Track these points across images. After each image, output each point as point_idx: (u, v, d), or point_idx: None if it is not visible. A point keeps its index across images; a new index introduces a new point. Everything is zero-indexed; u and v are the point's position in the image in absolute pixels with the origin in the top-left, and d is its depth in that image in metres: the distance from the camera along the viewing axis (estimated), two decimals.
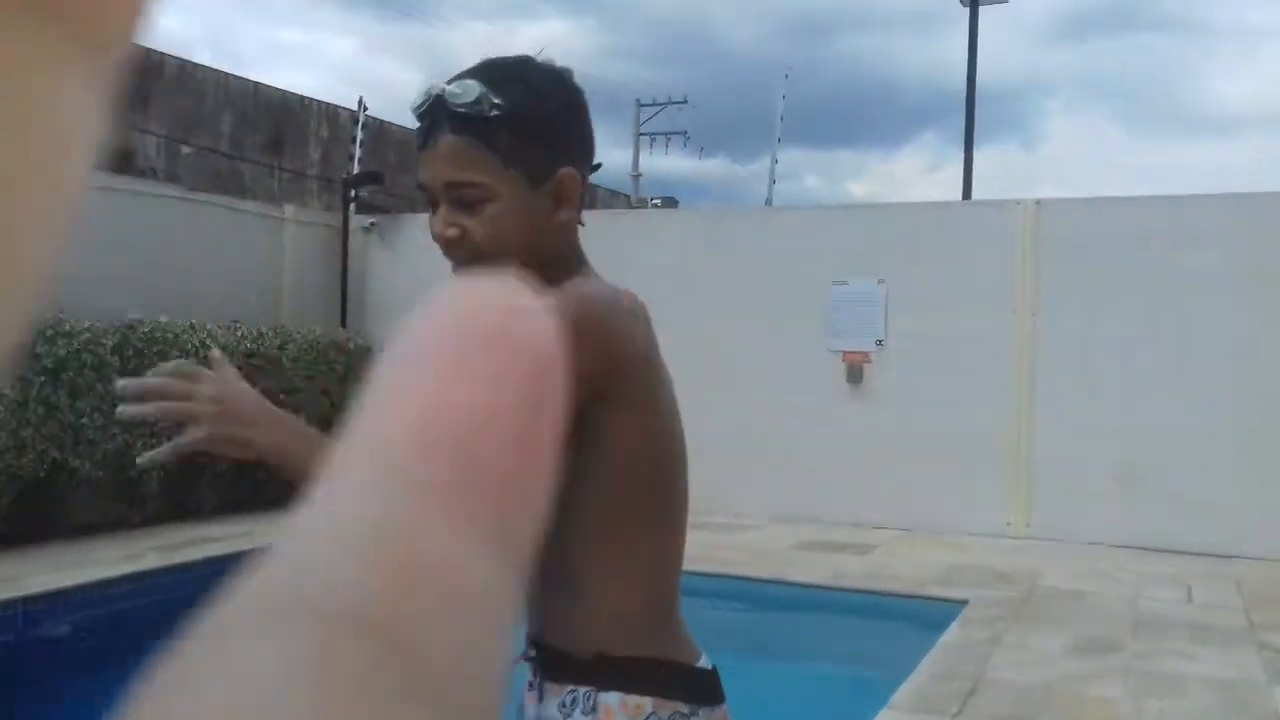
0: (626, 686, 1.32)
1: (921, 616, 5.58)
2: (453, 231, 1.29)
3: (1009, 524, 7.74)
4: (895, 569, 6.54)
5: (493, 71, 1.30)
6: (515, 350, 0.18)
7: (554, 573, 1.32)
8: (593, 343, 1.21)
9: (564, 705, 1.33)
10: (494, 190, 1.28)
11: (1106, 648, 4.90)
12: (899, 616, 5.91)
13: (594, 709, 1.31)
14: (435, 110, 1.28)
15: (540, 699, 1.36)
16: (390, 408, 0.17)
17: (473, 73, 1.29)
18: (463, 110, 1.26)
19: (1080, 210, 7.91)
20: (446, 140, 1.28)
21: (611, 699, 1.31)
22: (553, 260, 1.33)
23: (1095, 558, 6.96)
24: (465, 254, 1.30)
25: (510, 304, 0.19)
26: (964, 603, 5.65)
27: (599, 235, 8.59)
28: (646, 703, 1.31)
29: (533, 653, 1.38)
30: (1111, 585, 6.22)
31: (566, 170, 1.33)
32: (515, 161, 1.29)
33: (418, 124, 1.32)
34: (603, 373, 1.25)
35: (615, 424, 1.29)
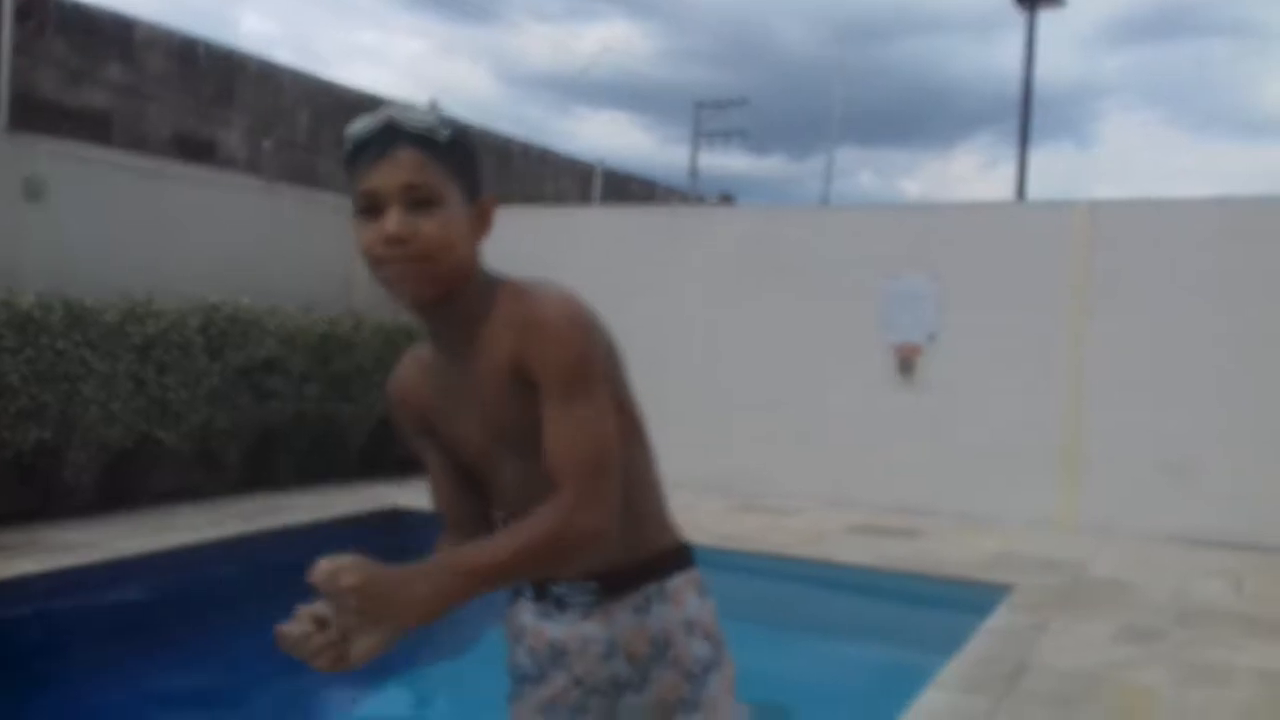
0: (680, 567, 1.60)
1: (969, 601, 5.54)
2: (407, 229, 1.37)
3: (1057, 515, 7.67)
4: (943, 554, 6.51)
5: (428, 110, 1.44)
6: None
7: None
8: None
9: (638, 608, 1.56)
10: (444, 196, 1.39)
11: (1153, 636, 4.84)
12: (946, 600, 5.88)
13: (668, 595, 1.57)
14: (390, 131, 1.39)
15: (608, 618, 1.56)
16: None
17: (410, 109, 1.43)
18: (420, 131, 1.39)
19: (1134, 211, 7.80)
20: (405, 151, 1.38)
21: (676, 580, 1.59)
22: (471, 271, 1.47)
23: (1143, 549, 6.88)
24: (411, 253, 1.38)
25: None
26: (1011, 588, 5.61)
27: (657, 231, 8.83)
28: (694, 573, 1.61)
29: (593, 586, 1.57)
30: (1159, 576, 6.14)
31: (489, 196, 1.49)
32: (458, 177, 1.42)
33: (359, 147, 1.40)
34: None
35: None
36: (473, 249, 1.45)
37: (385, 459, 8.64)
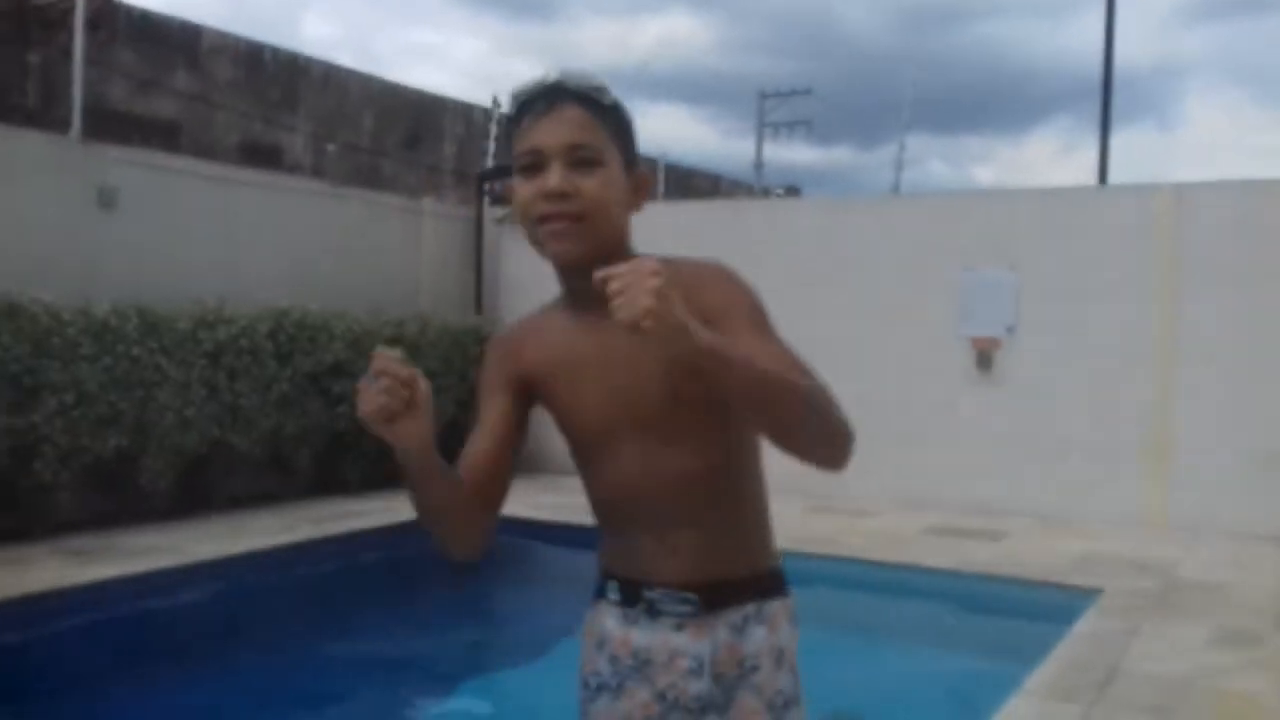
0: (780, 591, 1.56)
1: (1055, 605, 5.42)
2: (569, 185, 1.39)
3: (1144, 512, 7.47)
4: (1027, 556, 6.38)
5: (592, 76, 1.46)
6: None
7: (722, 505, 1.50)
8: None
9: (735, 627, 1.51)
10: (605, 158, 1.42)
11: (1251, 641, 4.69)
12: (1032, 604, 5.75)
13: (765, 618, 1.52)
14: (556, 89, 1.42)
15: (705, 633, 1.50)
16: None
17: (575, 72, 1.45)
18: (587, 92, 1.43)
19: (1221, 194, 7.56)
20: (571, 109, 1.41)
21: (775, 605, 1.54)
22: (624, 240, 1.48)
23: (1237, 548, 6.67)
24: (571, 209, 1.40)
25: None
26: (1099, 591, 5.48)
27: (723, 226, 8.78)
28: (790, 601, 1.57)
29: (691, 597, 1.49)
30: (1255, 576, 5.95)
31: (644, 169, 1.51)
32: (618, 143, 1.45)
33: (524, 106, 1.43)
34: None
35: None
36: (627, 218, 1.47)
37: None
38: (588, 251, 1.41)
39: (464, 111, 13.79)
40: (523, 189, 1.43)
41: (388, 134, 13.05)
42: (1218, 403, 7.32)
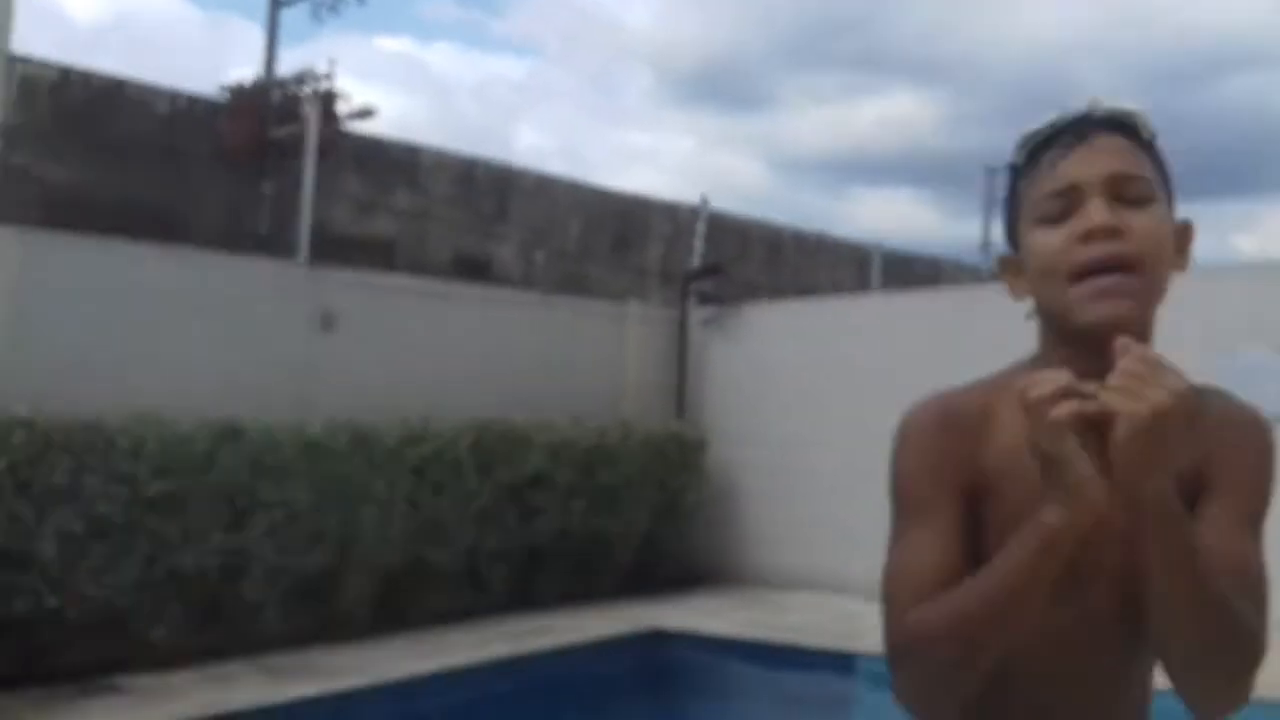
0: None
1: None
2: (1118, 220, 1.17)
3: None
4: None
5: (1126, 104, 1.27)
6: None
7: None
8: None
9: None
10: (1155, 194, 1.21)
11: None
12: None
13: None
14: (1085, 119, 1.23)
15: None
16: None
17: (1106, 101, 1.27)
18: (1123, 119, 1.23)
19: None
20: (1110, 138, 1.21)
21: None
22: (1156, 310, 1.24)
23: None
24: (1123, 254, 1.17)
25: None
26: None
27: (944, 317, 8.46)
28: None
29: None
30: None
31: (1188, 221, 1.28)
32: (1161, 185, 1.24)
33: (1045, 141, 1.24)
34: None
35: None
36: (1169, 273, 1.24)
37: (651, 576, 8.68)
38: (1140, 313, 1.20)
39: (670, 211, 14.11)
40: (1047, 238, 1.19)
41: (594, 238, 13.51)
42: None
